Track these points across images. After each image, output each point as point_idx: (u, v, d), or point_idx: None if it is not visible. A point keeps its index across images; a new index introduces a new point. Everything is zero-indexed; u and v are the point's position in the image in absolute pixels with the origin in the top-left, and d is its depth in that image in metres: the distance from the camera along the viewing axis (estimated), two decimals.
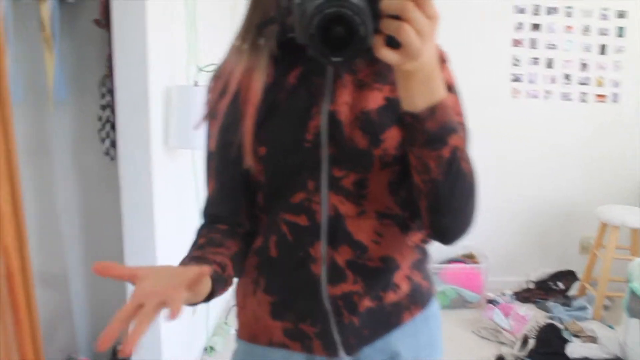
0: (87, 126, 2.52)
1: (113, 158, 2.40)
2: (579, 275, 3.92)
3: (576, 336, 3.21)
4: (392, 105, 0.86)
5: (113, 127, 2.34)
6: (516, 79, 3.96)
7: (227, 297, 3.66)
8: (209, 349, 3.02)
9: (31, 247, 1.38)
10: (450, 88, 0.93)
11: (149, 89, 2.16)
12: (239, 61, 0.95)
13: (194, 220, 2.64)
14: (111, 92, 2.33)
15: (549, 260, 4.09)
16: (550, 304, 3.66)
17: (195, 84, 2.49)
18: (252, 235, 1.03)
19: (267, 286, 1.01)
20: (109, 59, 2.30)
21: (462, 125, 0.92)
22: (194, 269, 0.77)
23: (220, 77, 0.99)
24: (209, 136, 1.01)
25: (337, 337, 0.98)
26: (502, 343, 3.25)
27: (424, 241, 1.04)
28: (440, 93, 0.77)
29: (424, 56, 0.71)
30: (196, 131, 2.29)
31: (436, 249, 1.07)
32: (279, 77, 0.94)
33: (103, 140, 2.42)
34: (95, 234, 2.64)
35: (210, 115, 0.99)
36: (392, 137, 0.89)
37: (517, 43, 3.92)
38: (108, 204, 2.52)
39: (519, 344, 3.14)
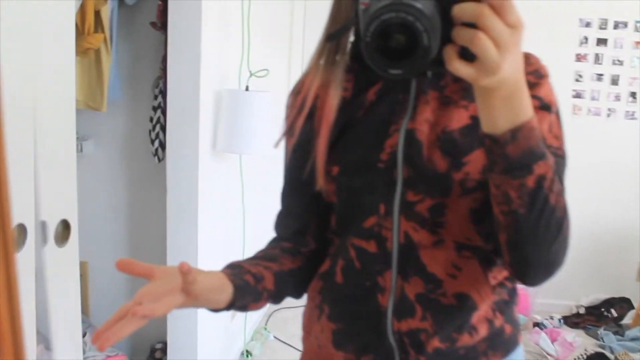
0: (138, 127, 2.56)
1: (161, 159, 2.43)
2: (635, 303, 3.74)
3: None
4: (478, 124, 0.75)
5: (163, 128, 2.37)
6: (578, 95, 3.82)
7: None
8: (246, 354, 3.02)
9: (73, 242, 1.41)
10: (549, 107, 0.84)
11: (201, 92, 2.18)
12: (315, 77, 0.91)
13: (238, 224, 2.67)
14: (163, 93, 2.36)
15: (602, 286, 3.92)
16: (602, 331, 3.51)
17: (247, 89, 2.50)
18: (320, 256, 0.99)
19: (331, 313, 0.95)
20: (164, 61, 2.33)
21: (559, 149, 0.83)
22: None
23: (299, 93, 0.96)
24: (285, 154, 0.99)
25: None
26: None
27: (511, 279, 0.93)
28: (526, 114, 0.68)
29: (503, 71, 0.61)
30: (245, 136, 2.32)
31: None
32: (358, 92, 0.90)
33: (153, 142, 2.45)
34: (140, 233, 2.68)
35: (288, 133, 0.97)
36: (476, 160, 0.81)
37: (580, 58, 3.79)
38: (154, 205, 2.55)
39: None
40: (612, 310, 3.74)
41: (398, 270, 0.87)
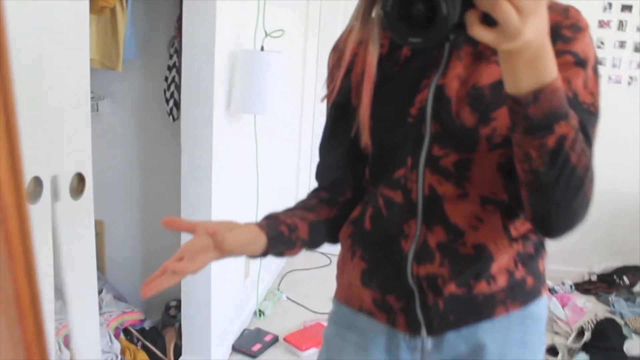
0: (153, 86, 2.57)
1: (175, 119, 2.45)
2: None
3: (637, 334, 3.07)
4: None
5: (178, 88, 2.38)
6: (599, 63, 3.74)
7: (281, 264, 3.71)
8: (259, 313, 3.08)
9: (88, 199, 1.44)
10: (584, 62, 0.83)
11: (215, 51, 2.18)
12: (352, 34, 0.94)
13: (252, 183, 2.69)
14: (178, 53, 2.36)
15: (615, 253, 3.91)
16: (613, 298, 3.52)
17: (262, 49, 2.49)
18: (356, 204, 1.05)
19: (362, 254, 1.01)
20: (179, 20, 2.32)
21: (592, 106, 0.83)
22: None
23: (336, 50, 1.01)
24: (326, 107, 1.04)
25: (420, 316, 0.96)
26: (556, 333, 3.16)
27: (535, 232, 0.95)
28: (549, 74, 0.69)
29: (525, 35, 0.62)
30: (259, 97, 2.33)
31: None
32: (394, 48, 0.93)
33: (167, 101, 2.46)
34: (154, 192, 2.72)
35: (329, 88, 1.01)
36: (505, 116, 0.82)
37: (603, 24, 3.70)
38: (168, 163, 2.58)
39: (573, 335, 3.05)
40: (625, 278, 3.74)
41: (423, 220, 0.92)
